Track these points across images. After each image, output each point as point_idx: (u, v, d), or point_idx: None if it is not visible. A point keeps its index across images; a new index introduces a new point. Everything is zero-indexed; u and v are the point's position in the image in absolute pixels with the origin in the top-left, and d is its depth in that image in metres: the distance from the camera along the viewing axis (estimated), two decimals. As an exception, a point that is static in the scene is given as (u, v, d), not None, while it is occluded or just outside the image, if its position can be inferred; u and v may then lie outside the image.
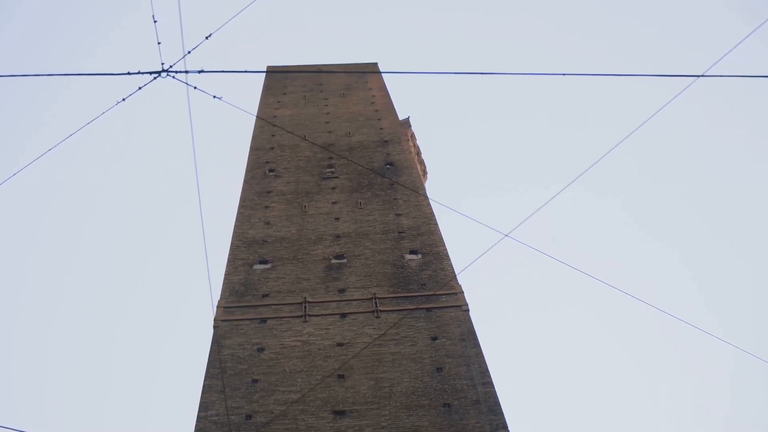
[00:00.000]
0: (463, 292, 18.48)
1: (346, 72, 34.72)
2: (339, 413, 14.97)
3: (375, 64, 36.41)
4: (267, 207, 23.05)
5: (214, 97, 11.72)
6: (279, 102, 31.83)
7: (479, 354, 16.38)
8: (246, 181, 24.73)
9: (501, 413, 14.72)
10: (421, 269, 19.53)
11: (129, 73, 9.57)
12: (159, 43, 10.99)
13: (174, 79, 9.95)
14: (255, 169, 25.60)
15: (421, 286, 18.79)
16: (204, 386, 15.83)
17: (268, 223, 22.09)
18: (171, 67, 10.05)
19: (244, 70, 10.05)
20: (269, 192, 23.93)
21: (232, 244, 21.10)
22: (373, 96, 32.18)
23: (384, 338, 17.01)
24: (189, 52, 10.64)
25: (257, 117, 28.94)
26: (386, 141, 27.42)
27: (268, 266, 20.00)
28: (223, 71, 9.87)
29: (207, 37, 11.24)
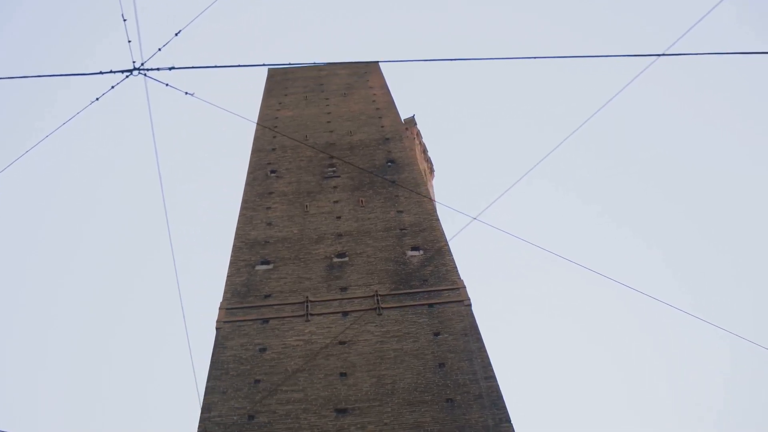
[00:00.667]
0: (465, 287, 18.40)
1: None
2: (341, 411, 14.93)
3: (376, 63, 36.31)
4: (269, 208, 23.05)
5: (186, 93, 11.76)
6: (280, 103, 31.86)
7: (482, 349, 16.29)
8: (248, 183, 24.74)
9: (504, 407, 14.64)
10: (423, 265, 19.46)
11: (101, 72, 9.61)
12: (129, 41, 11.05)
13: (154, 77, 9.97)
14: (257, 170, 25.61)
15: (423, 282, 18.72)
16: (207, 388, 15.84)
17: (269, 224, 22.09)
18: (143, 65, 10.08)
19: (214, 65, 10.06)
20: (271, 193, 23.93)
21: (234, 245, 21.11)
22: (374, 94, 32.13)
23: (386, 335, 16.97)
24: (159, 50, 10.70)
25: (257, 124, 28.98)
26: (388, 138, 27.36)
27: (270, 267, 19.99)
28: (193, 67, 9.89)
29: (176, 34, 11.29)
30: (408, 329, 17.11)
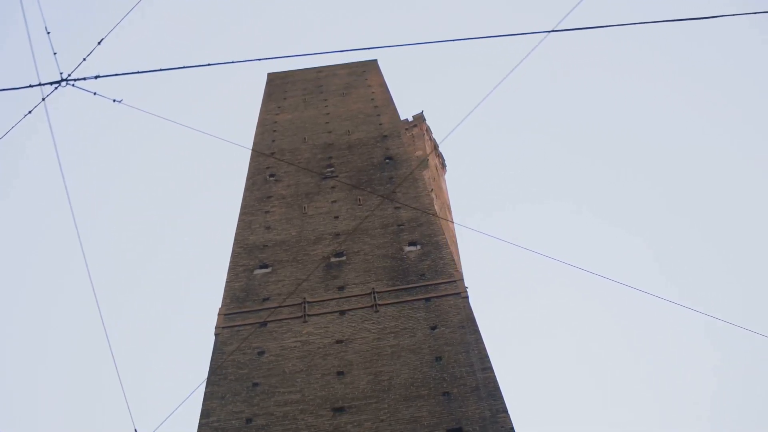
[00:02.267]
0: (462, 279, 18.28)
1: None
2: (338, 410, 14.91)
3: (374, 62, 36.28)
4: (267, 212, 23.09)
5: (114, 100, 11.85)
6: (279, 107, 31.90)
7: (479, 340, 16.16)
8: (247, 188, 24.80)
9: (501, 398, 14.51)
10: (421, 260, 19.36)
11: (30, 86, 9.72)
12: (55, 53, 11.21)
13: (82, 87, 10.07)
14: (256, 175, 25.66)
15: (420, 277, 18.63)
16: (205, 393, 15.90)
17: (268, 228, 22.13)
18: (69, 75, 10.19)
19: (138, 71, 10.09)
20: (269, 197, 23.97)
21: (233, 251, 21.17)
22: (373, 93, 32.05)
23: (383, 332, 16.91)
24: (84, 59, 10.78)
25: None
26: (386, 136, 27.27)
27: (268, 270, 20.02)
28: (118, 74, 9.92)
29: (99, 42, 11.40)
30: (405, 324, 17.04)
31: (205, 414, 15.32)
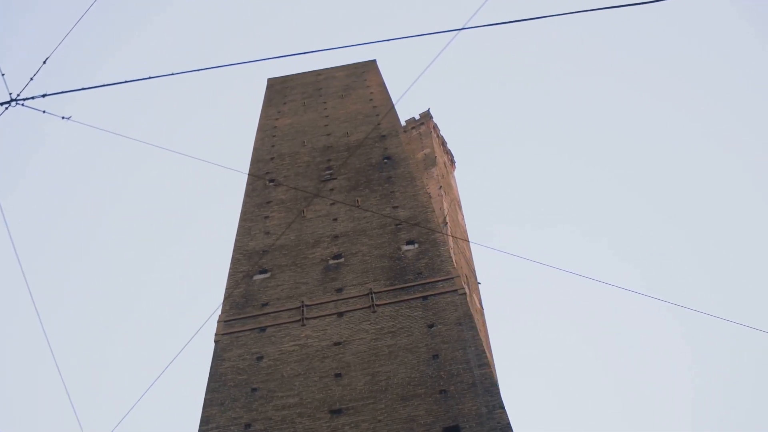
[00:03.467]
0: (459, 276, 18.22)
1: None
2: (336, 412, 14.91)
3: (373, 62, 36.26)
4: (267, 217, 23.14)
5: (63, 117, 11.96)
6: (279, 112, 31.97)
7: (475, 337, 16.09)
8: (246, 194, 24.86)
9: (497, 394, 14.43)
10: (418, 258, 19.31)
11: None
12: (3, 74, 11.36)
13: (32, 106, 10.18)
14: (256, 180, 25.72)
15: (418, 275, 18.57)
16: (205, 400, 15.96)
17: (267, 233, 22.17)
18: (18, 95, 10.32)
19: (81, 87, 10.15)
20: (269, 202, 24.01)
21: (232, 257, 21.23)
22: (372, 93, 32.03)
23: (380, 332, 16.88)
24: (31, 79, 10.92)
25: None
26: (384, 136, 27.23)
27: (267, 275, 20.06)
28: (64, 91, 10.02)
29: (44, 62, 11.50)
30: (402, 324, 17.00)
31: (204, 421, 15.39)
